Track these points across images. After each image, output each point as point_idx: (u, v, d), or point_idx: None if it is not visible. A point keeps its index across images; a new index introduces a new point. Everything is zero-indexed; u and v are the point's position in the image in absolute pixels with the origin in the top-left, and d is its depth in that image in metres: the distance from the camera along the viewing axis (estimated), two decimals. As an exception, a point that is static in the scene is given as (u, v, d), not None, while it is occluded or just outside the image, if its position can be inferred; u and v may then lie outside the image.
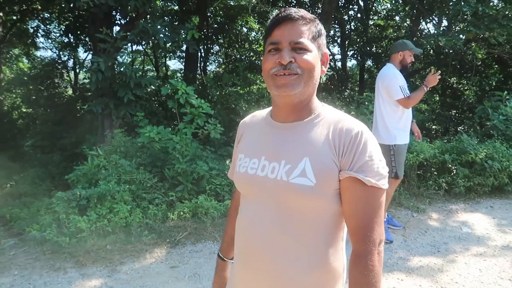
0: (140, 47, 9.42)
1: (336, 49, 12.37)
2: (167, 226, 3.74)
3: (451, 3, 5.67)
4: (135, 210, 3.75)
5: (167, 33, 5.60)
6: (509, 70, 8.58)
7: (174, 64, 13.50)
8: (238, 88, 8.29)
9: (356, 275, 0.99)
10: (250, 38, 11.98)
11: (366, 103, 6.34)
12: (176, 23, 7.75)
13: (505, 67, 8.73)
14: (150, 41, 5.96)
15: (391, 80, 3.45)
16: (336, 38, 11.99)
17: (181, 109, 4.85)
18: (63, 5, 5.53)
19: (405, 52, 3.52)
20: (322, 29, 1.08)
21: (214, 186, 4.25)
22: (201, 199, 3.98)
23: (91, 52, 9.56)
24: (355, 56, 11.94)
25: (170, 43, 5.94)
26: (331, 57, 11.80)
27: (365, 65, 11.84)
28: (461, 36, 5.55)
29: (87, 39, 9.97)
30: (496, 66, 9.28)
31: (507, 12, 5.08)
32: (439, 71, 3.48)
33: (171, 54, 11.16)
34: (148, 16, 5.87)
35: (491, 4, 6.07)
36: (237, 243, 1.16)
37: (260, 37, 11.85)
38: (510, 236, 3.82)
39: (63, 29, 10.76)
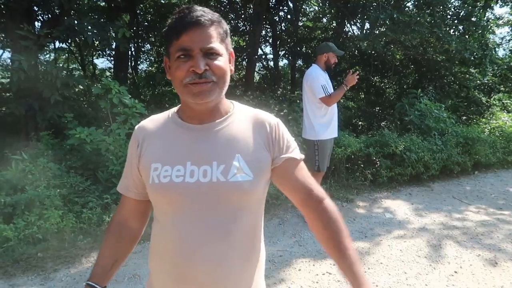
0: (63, 45, 8.92)
1: (268, 49, 12.66)
2: (103, 230, 3.64)
3: (371, 9, 6.16)
4: (67, 215, 3.60)
5: (95, 31, 5.39)
6: (423, 70, 9.41)
7: (102, 63, 12.78)
8: (172, 87, 8.19)
9: (329, 217, 1.12)
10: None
11: (298, 101, 6.62)
12: (104, 20, 7.46)
13: (419, 67, 9.57)
14: (77, 39, 5.69)
15: (314, 80, 3.71)
16: (268, 38, 12.28)
17: (113, 109, 4.72)
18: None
19: (329, 54, 3.79)
20: (227, 28, 1.07)
21: (151, 186, 4.20)
22: (138, 200, 3.92)
23: (8, 50, 8.84)
24: (287, 55, 12.33)
25: (98, 41, 5.73)
26: (263, 56, 12.09)
27: (296, 65, 12.29)
28: (379, 40, 6.03)
29: (2, 35, 9.19)
30: (412, 66, 10.14)
31: (418, 19, 5.63)
32: (357, 71, 3.79)
33: (100, 52, 10.68)
34: (73, 13, 5.61)
35: (406, 9, 6.64)
36: (167, 259, 1.05)
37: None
38: (425, 219, 4.27)
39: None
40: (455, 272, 3.15)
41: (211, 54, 0.98)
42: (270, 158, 1.08)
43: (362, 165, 5.37)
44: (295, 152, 1.13)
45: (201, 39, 0.97)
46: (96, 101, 5.24)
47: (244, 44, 10.99)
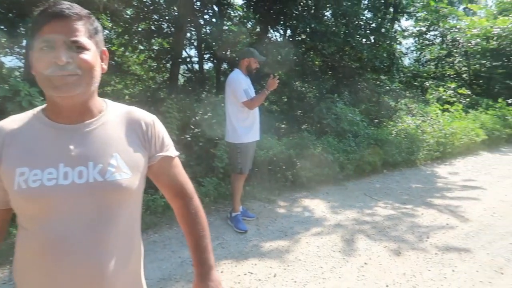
0: (-36, 40, 8.06)
1: (193, 52, 12.57)
2: (8, 244, 3.38)
3: (292, 18, 6.47)
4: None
5: (2, 26, 4.97)
6: (340, 76, 10.04)
7: (10, 61, 11.65)
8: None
9: (195, 214, 1.26)
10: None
11: (222, 104, 6.69)
12: (13, 15, 6.88)
13: (336, 74, 10.20)
14: (-20, 35, 5.20)
15: (236, 84, 3.81)
16: (192, 41, 12.20)
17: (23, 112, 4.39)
18: None
19: (250, 59, 3.92)
20: (99, 26, 1.05)
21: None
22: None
23: None
24: (211, 59, 12.35)
25: (6, 38, 5.29)
26: (188, 59, 11.97)
27: (221, 68, 12.36)
28: (300, 46, 6.36)
29: None
30: (330, 72, 10.78)
31: (334, 29, 6.05)
32: (278, 76, 3.96)
33: (7, 50, 9.78)
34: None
35: (325, 19, 7.07)
36: (39, 268, 0.99)
37: (114, 36, 11.32)
38: (340, 216, 4.59)
39: None
40: (365, 263, 3.44)
41: (76, 47, 0.96)
42: (147, 155, 1.13)
43: (284, 167, 5.60)
44: (170, 150, 1.20)
45: (65, 31, 0.95)
46: (2, 104, 4.81)
47: (168, 46, 10.82)
